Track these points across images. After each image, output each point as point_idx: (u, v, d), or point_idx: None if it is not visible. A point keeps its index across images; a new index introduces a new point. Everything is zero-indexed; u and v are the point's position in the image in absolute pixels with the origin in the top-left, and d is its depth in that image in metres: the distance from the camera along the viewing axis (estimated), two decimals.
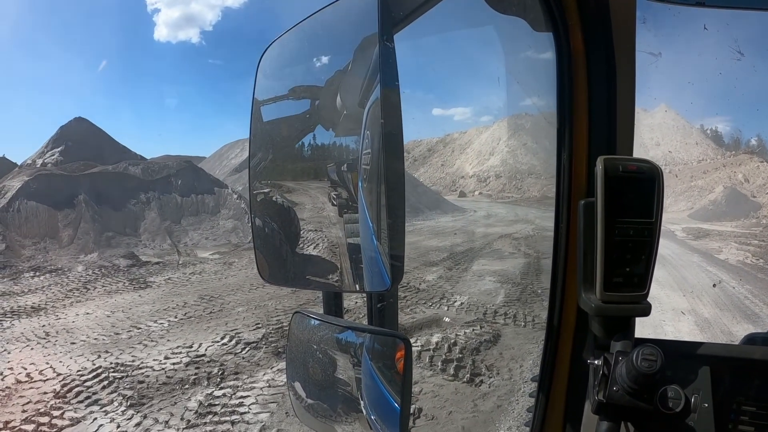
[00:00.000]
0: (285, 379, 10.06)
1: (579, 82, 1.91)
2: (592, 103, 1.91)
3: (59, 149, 39.69)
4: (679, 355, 1.86)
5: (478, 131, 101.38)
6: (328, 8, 1.42)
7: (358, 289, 1.53)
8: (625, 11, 1.81)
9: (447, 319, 13.80)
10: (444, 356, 11.28)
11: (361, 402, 1.61)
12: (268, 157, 1.78)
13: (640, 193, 1.73)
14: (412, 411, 8.36)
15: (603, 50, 1.86)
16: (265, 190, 1.73)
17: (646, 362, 1.60)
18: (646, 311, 1.78)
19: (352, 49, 1.47)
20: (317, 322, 1.79)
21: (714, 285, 16.95)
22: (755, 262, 21.93)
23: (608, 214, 1.73)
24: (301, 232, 1.81)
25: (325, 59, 1.55)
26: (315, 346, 1.78)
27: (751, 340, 2.50)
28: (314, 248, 1.84)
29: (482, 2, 1.88)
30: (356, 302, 11.43)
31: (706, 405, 1.80)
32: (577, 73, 1.90)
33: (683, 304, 14.19)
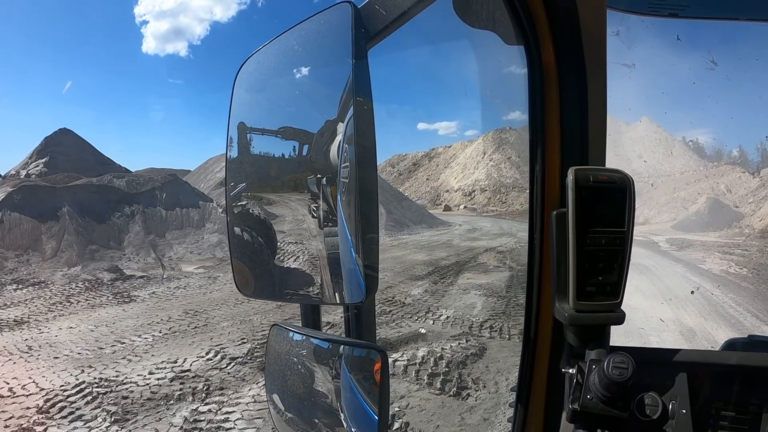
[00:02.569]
0: None
1: (550, 94, 1.92)
2: (564, 115, 1.93)
3: (43, 160, 39.59)
4: (656, 363, 1.88)
5: (463, 145, 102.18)
6: (303, 23, 1.44)
7: (337, 301, 1.54)
8: (595, 23, 1.83)
9: (423, 330, 13.82)
10: (430, 370, 11.27)
11: (341, 414, 1.62)
12: (256, 183, 1.78)
13: (611, 202, 1.75)
14: (398, 425, 8.34)
15: (574, 62, 1.87)
16: (242, 203, 1.74)
17: (617, 370, 1.61)
18: (620, 319, 1.79)
19: (328, 64, 1.49)
20: (295, 334, 1.80)
21: (692, 292, 17.07)
22: (738, 271, 22.10)
23: (580, 224, 1.75)
24: (279, 245, 1.82)
25: (300, 75, 1.57)
26: (294, 359, 1.79)
27: (730, 345, 2.53)
28: (294, 261, 1.84)
29: (455, 16, 1.89)
30: (341, 316, 11.41)
31: (684, 411, 1.82)
32: (548, 86, 1.92)
33: (667, 314, 14.26)
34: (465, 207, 75.30)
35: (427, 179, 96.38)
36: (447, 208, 72.34)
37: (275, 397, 1.85)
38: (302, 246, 1.64)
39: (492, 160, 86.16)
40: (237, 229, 1.76)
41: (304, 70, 1.57)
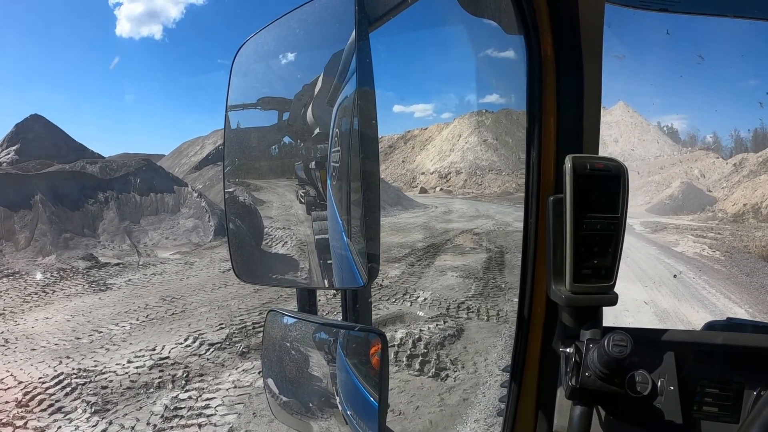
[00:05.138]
0: (251, 380, 10.07)
1: (548, 84, 1.97)
2: (561, 104, 1.98)
3: (15, 148, 38.76)
4: (646, 342, 1.94)
5: (439, 128, 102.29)
6: (304, 6, 1.43)
7: (329, 285, 1.55)
8: (593, 17, 1.89)
9: (421, 314, 13.89)
10: (409, 352, 11.33)
11: (337, 397, 1.63)
12: (241, 160, 1.78)
13: (606, 189, 1.82)
14: None
15: (571, 54, 1.93)
16: (230, 189, 1.73)
17: (617, 347, 1.66)
18: (613, 301, 1.86)
19: (326, 48, 1.48)
20: (291, 319, 1.80)
21: (675, 276, 17.33)
22: (711, 254, 22.52)
23: (577, 209, 1.80)
24: (267, 230, 1.82)
25: (300, 58, 1.56)
26: (290, 344, 1.79)
27: (711, 327, 2.60)
28: (283, 246, 1.84)
29: (455, 4, 1.91)
30: (320, 299, 11.38)
31: (672, 388, 1.90)
32: (546, 76, 1.96)
33: (643, 296, 14.45)
34: (441, 189, 75.54)
35: (403, 161, 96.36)
36: (423, 191, 72.50)
37: (271, 381, 1.86)
38: (293, 232, 1.64)
39: (468, 143, 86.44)
40: (234, 219, 1.76)
41: (303, 55, 1.56)
